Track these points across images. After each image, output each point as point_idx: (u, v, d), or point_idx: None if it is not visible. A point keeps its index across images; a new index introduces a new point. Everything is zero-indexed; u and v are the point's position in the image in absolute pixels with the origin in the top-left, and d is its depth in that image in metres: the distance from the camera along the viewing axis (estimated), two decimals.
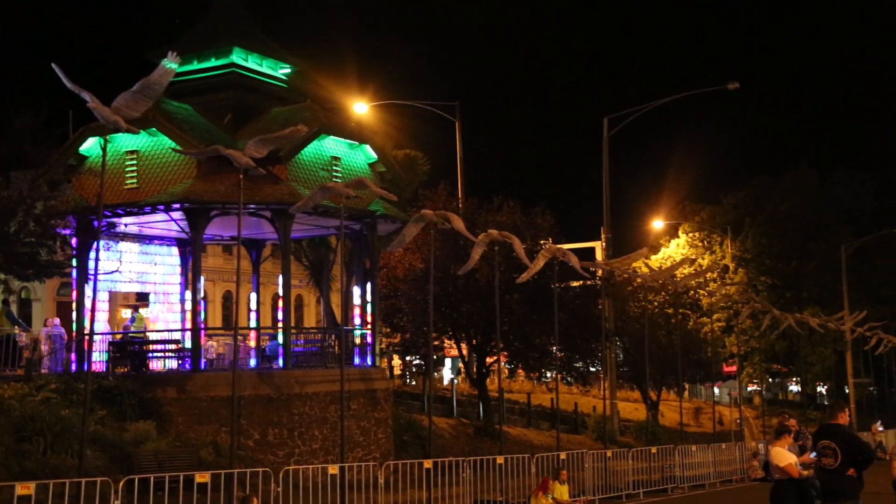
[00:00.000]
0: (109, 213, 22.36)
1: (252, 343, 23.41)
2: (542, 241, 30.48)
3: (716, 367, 45.48)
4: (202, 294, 23.28)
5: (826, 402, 59.49)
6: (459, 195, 34.30)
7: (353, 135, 25.20)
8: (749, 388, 62.83)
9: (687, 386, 54.35)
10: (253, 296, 26.25)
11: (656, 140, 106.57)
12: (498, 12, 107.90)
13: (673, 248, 57.75)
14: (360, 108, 34.16)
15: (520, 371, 37.71)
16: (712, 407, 36.97)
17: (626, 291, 39.86)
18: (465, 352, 34.02)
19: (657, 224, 57.73)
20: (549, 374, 36.40)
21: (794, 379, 65.48)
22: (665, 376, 41.63)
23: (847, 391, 54.40)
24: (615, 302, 37.69)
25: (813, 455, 11.95)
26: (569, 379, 37.82)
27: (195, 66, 25.28)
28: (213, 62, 25.26)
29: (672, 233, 59.58)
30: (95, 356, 21.74)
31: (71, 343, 23.13)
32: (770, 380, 65.20)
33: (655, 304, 41.43)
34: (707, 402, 51.95)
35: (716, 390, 53.60)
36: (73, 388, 19.32)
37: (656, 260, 53.61)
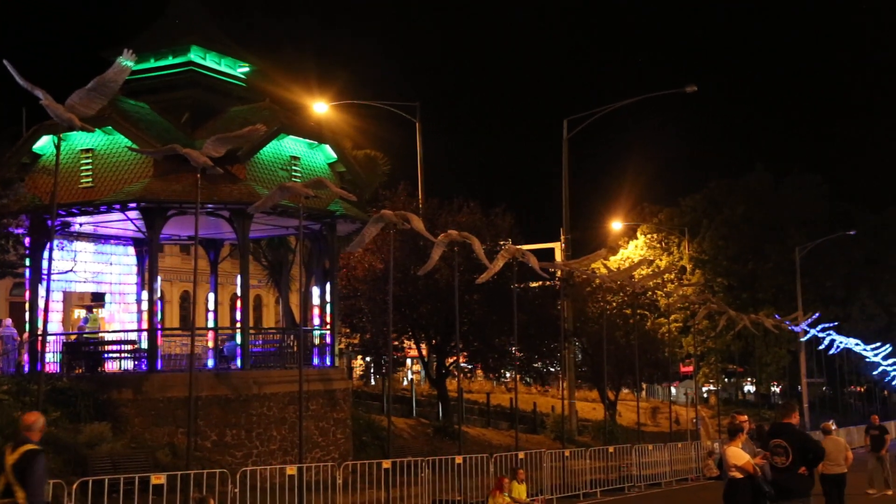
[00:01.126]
0: (64, 213, 22.05)
1: (210, 343, 23.22)
2: (501, 242, 30.55)
3: (673, 368, 45.99)
4: (159, 294, 23.04)
5: (780, 402, 60.48)
6: (419, 195, 34.27)
7: (313, 134, 25.09)
8: (705, 388, 63.61)
9: (644, 386, 54.96)
10: (211, 296, 26.04)
11: (616, 142, 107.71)
12: (459, 13, 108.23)
13: (631, 249, 58.32)
14: (320, 107, 34.00)
15: (479, 371, 37.80)
16: (669, 407, 37.37)
17: (584, 292, 40.16)
18: (424, 352, 34.03)
19: (616, 225, 58.23)
20: (508, 375, 36.53)
21: (750, 379, 66.45)
22: (623, 376, 42.01)
23: (801, 391, 55.33)
24: (574, 303, 37.95)
25: (762, 457, 12.11)
26: (528, 379, 38.00)
27: (152, 63, 25.01)
28: (170, 60, 25.00)
29: (630, 234, 60.13)
30: (49, 357, 21.42)
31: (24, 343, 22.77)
32: (726, 380, 66.07)
33: (614, 304, 41.82)
34: (664, 402, 52.51)
35: (673, 390, 54.18)
36: (25, 390, 19.00)
37: (615, 261, 54.10)
